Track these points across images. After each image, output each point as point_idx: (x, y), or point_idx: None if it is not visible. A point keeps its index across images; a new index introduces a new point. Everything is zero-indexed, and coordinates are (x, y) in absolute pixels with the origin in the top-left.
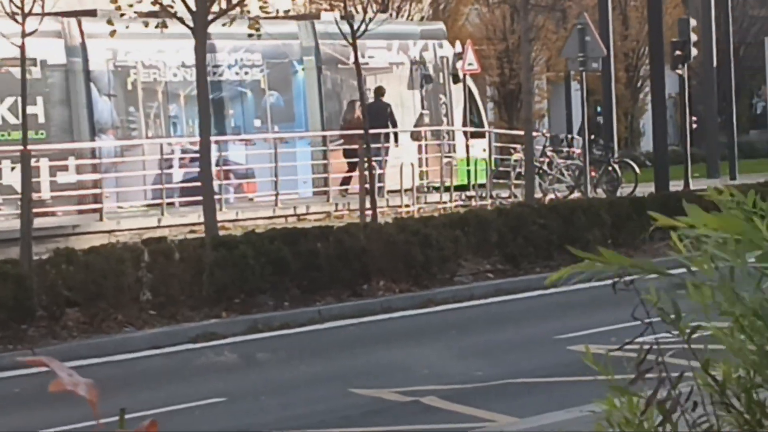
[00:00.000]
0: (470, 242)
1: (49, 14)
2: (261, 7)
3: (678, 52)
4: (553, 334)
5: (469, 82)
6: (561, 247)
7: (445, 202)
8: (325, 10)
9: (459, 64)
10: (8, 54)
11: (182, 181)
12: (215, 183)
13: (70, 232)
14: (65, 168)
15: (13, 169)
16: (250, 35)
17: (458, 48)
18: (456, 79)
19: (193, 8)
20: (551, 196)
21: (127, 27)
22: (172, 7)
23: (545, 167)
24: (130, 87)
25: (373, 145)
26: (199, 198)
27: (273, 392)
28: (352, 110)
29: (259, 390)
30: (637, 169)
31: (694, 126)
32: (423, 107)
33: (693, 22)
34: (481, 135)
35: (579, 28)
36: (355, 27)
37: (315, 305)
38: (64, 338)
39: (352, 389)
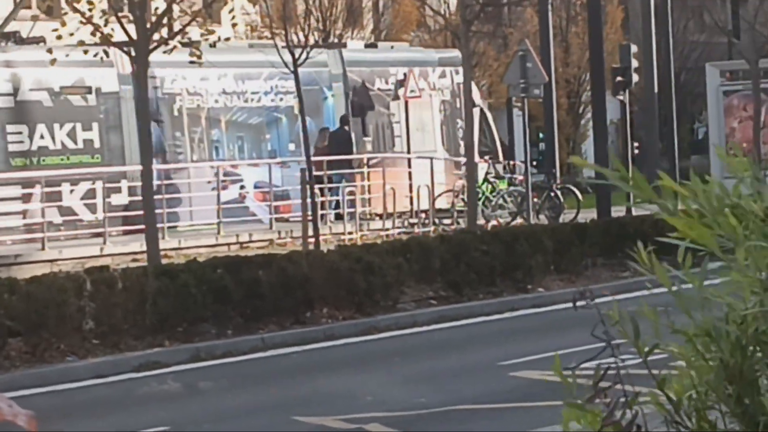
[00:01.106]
0: (413, 269)
1: (100, 45)
2: (202, 35)
3: (619, 78)
4: (496, 360)
5: (484, 106)
6: (504, 274)
7: (387, 229)
8: (267, 38)
9: (401, 91)
10: (66, 82)
11: (225, 203)
12: (256, 205)
13: (12, 262)
14: (118, 190)
15: (72, 191)
16: (191, 62)
17: (401, 75)
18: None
19: (134, 36)
20: (494, 222)
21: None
22: (112, 35)
23: (488, 194)
24: (176, 113)
25: (338, 172)
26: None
27: (216, 421)
28: (323, 138)
29: (202, 419)
30: (579, 195)
31: (636, 151)
32: (365, 134)
33: (634, 48)
34: (483, 160)
35: (521, 55)
36: (297, 56)
37: (258, 333)
38: (6, 368)
39: (295, 417)
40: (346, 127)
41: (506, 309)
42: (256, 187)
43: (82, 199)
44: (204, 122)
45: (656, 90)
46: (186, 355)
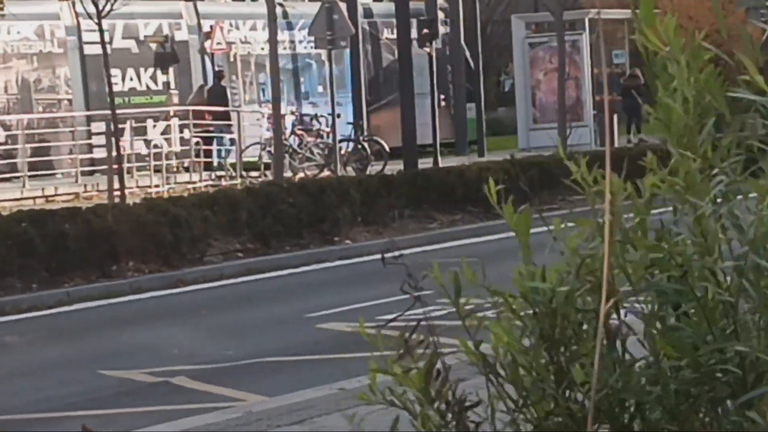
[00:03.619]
0: (220, 222)
1: None
2: None
3: (425, 30)
4: (303, 312)
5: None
6: (311, 226)
7: (194, 182)
8: None
9: (207, 43)
10: (149, 32)
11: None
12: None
13: None
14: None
15: (155, 126)
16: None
17: (206, 27)
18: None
19: None
20: (301, 174)
21: None
22: None
23: (295, 146)
24: (231, 59)
25: (217, 123)
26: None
27: (23, 375)
28: (201, 93)
29: (8, 373)
30: (387, 147)
31: (443, 104)
32: (170, 88)
33: (440, 0)
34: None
35: (327, 7)
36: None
37: (63, 287)
38: None
39: (101, 371)
40: (222, 83)
41: (313, 261)
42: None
43: None
44: (253, 68)
45: (463, 42)
46: None
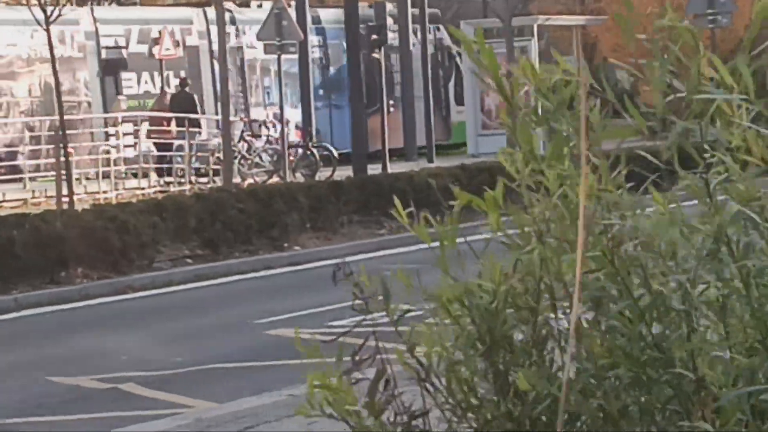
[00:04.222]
0: (169, 228)
1: (183, 5)
2: None
3: (374, 36)
4: (252, 318)
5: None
6: (260, 232)
7: (143, 188)
8: None
9: (156, 50)
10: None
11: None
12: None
13: None
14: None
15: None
16: None
17: (155, 33)
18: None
19: None
20: (250, 180)
21: None
22: None
23: (244, 152)
24: (238, 63)
25: (181, 129)
26: None
27: None
28: (162, 100)
29: None
30: (335, 153)
31: (392, 110)
32: (120, 93)
33: (389, 6)
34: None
35: (276, 13)
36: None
37: (11, 293)
38: None
39: (49, 377)
40: (187, 89)
41: (262, 267)
42: (296, 127)
43: None
44: (258, 72)
45: (412, 48)
46: None
